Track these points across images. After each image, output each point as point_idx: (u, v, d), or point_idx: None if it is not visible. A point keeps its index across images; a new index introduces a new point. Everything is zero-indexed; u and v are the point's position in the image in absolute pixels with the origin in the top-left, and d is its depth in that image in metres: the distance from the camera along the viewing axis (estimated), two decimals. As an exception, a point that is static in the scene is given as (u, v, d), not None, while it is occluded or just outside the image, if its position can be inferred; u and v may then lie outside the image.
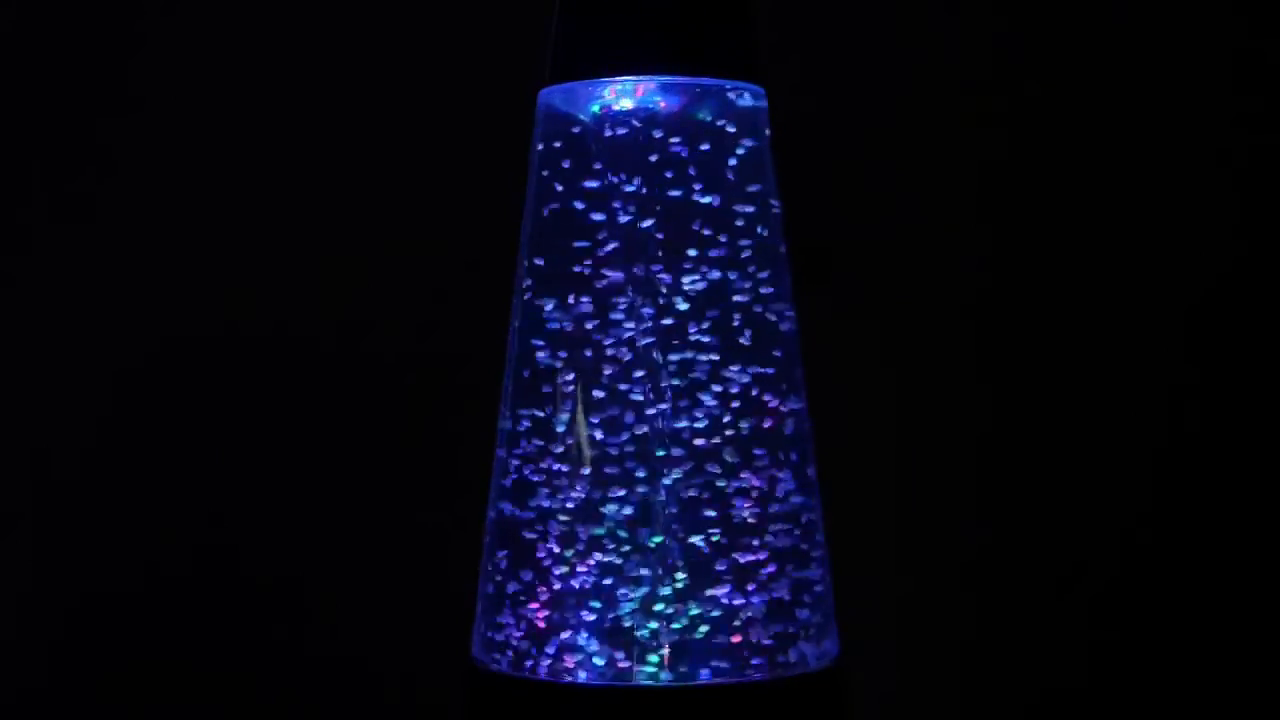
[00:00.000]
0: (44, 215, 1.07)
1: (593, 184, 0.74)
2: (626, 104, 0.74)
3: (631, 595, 0.72)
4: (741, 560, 0.73)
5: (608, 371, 0.73)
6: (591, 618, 0.73)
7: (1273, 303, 1.07)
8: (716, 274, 0.74)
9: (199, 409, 1.07)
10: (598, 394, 0.73)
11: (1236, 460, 1.07)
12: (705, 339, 0.74)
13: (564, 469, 0.74)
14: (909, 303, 1.07)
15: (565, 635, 0.73)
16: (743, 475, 0.74)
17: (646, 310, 0.73)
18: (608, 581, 0.73)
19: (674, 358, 0.73)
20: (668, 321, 0.73)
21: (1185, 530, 1.07)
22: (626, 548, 0.73)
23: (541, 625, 0.74)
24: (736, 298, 0.74)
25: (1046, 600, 1.07)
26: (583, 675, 0.72)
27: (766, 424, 0.74)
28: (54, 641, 1.06)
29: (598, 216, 0.74)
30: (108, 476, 1.07)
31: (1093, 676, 1.07)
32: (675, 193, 0.74)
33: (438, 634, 0.90)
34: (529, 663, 0.74)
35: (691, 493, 0.73)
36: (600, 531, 0.73)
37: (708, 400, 0.73)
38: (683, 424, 0.73)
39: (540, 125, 0.77)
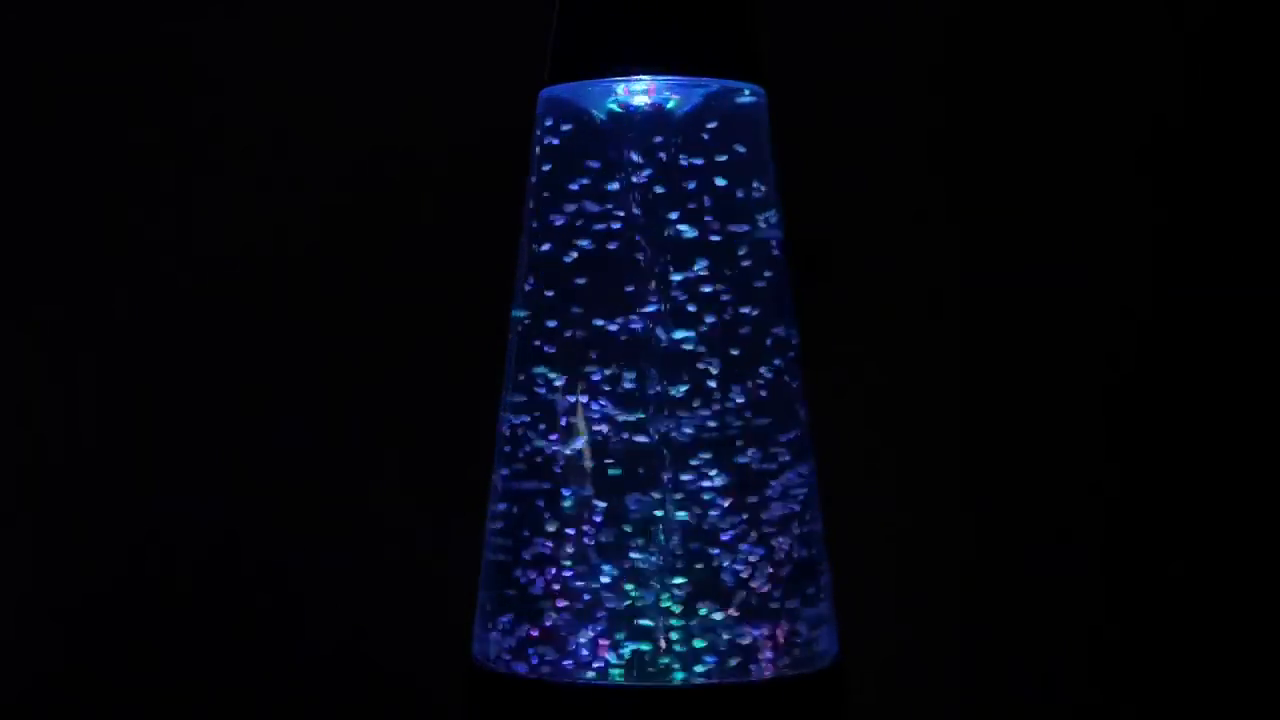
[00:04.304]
0: (42, 216, 1.07)
1: (592, 184, 0.74)
2: (627, 103, 0.74)
3: (632, 595, 0.72)
4: (742, 560, 0.73)
5: (609, 369, 0.73)
6: (592, 617, 0.73)
7: (1274, 303, 1.07)
8: (715, 272, 0.74)
9: (199, 409, 1.07)
10: (599, 392, 0.73)
11: (1239, 459, 1.07)
12: (705, 338, 0.74)
13: (564, 468, 0.74)
14: (908, 301, 1.07)
15: (566, 635, 0.73)
16: (742, 474, 0.74)
17: (646, 308, 0.73)
18: (608, 581, 0.73)
19: (674, 357, 0.73)
20: (667, 320, 0.73)
21: (1187, 530, 1.07)
22: (627, 547, 0.73)
23: (541, 625, 0.74)
24: (736, 296, 0.74)
25: (1046, 599, 1.07)
26: (582, 675, 0.72)
27: (767, 423, 0.74)
28: (54, 641, 1.06)
29: (597, 216, 0.74)
30: (108, 477, 1.07)
31: (1092, 675, 1.07)
32: (674, 192, 0.74)
33: (438, 634, 0.90)
34: (529, 662, 0.74)
35: (691, 492, 0.73)
36: (600, 531, 0.73)
37: (708, 398, 0.73)
38: (683, 422, 0.73)
39: (540, 125, 0.77)
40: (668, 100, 0.74)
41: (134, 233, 1.07)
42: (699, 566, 0.73)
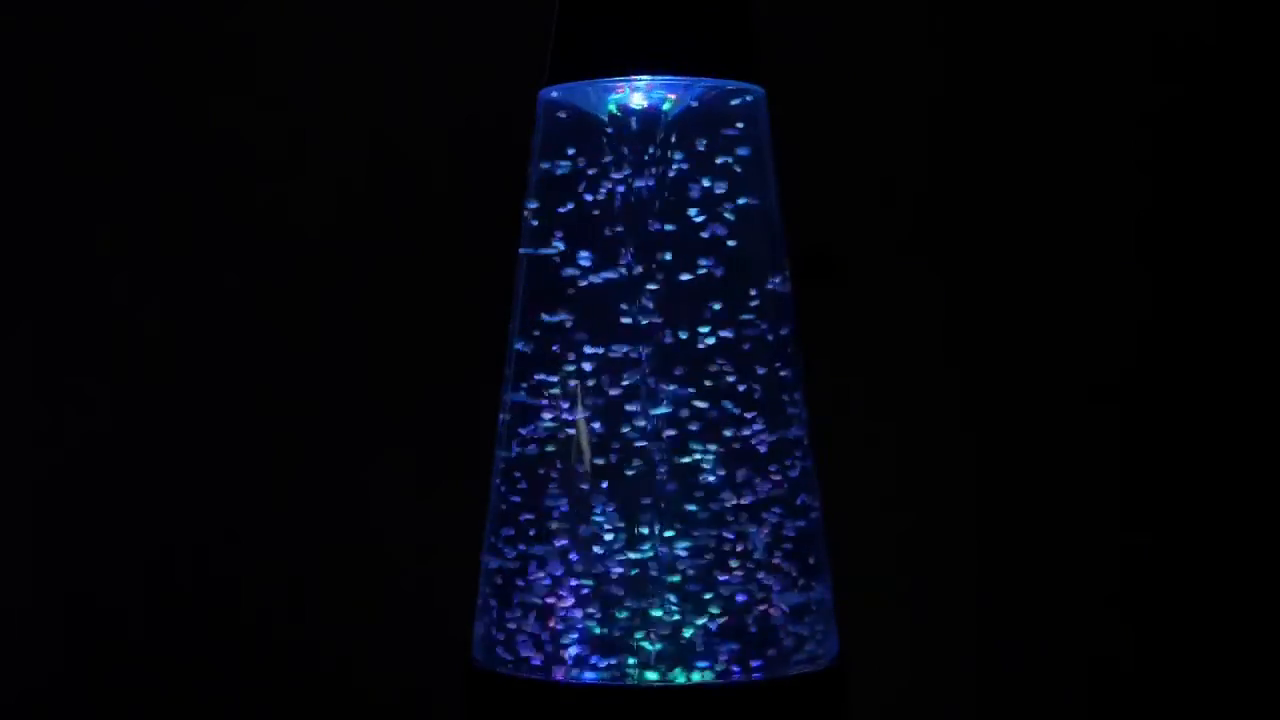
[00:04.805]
0: (42, 215, 1.07)
1: (591, 184, 0.74)
2: (627, 104, 0.74)
3: (631, 595, 0.72)
4: (742, 559, 0.73)
5: (607, 369, 0.73)
6: (591, 617, 0.73)
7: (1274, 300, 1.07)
8: (716, 273, 0.74)
9: (199, 409, 1.07)
10: (598, 391, 0.73)
11: (1244, 457, 1.07)
12: (706, 339, 0.74)
13: (563, 468, 0.74)
14: (908, 301, 1.07)
15: (565, 635, 0.73)
16: (742, 475, 0.74)
17: (644, 307, 0.73)
18: (607, 581, 0.73)
19: (673, 357, 0.73)
20: (667, 319, 0.73)
21: (1188, 531, 1.07)
22: (626, 548, 0.73)
23: (541, 625, 0.74)
24: (735, 296, 0.74)
25: (1047, 600, 1.07)
26: (583, 675, 0.72)
27: (767, 423, 0.74)
28: (54, 641, 1.06)
29: (597, 215, 0.74)
30: (109, 477, 1.07)
31: (1093, 677, 1.07)
32: (675, 192, 0.74)
33: (438, 634, 0.90)
34: (529, 662, 0.74)
35: (691, 492, 0.73)
36: (599, 532, 0.73)
37: (706, 400, 0.73)
38: (683, 423, 0.73)
39: (540, 125, 0.77)
40: (666, 100, 0.74)
41: (132, 231, 1.07)
42: (699, 567, 0.73)
